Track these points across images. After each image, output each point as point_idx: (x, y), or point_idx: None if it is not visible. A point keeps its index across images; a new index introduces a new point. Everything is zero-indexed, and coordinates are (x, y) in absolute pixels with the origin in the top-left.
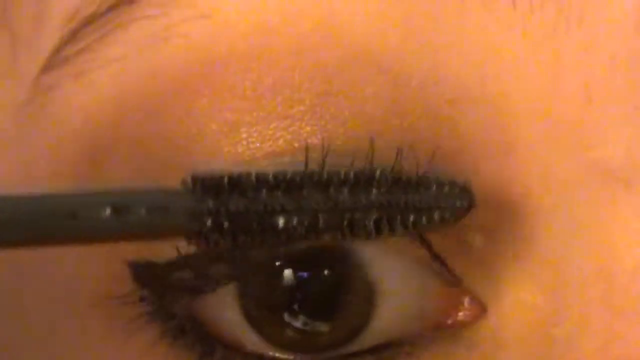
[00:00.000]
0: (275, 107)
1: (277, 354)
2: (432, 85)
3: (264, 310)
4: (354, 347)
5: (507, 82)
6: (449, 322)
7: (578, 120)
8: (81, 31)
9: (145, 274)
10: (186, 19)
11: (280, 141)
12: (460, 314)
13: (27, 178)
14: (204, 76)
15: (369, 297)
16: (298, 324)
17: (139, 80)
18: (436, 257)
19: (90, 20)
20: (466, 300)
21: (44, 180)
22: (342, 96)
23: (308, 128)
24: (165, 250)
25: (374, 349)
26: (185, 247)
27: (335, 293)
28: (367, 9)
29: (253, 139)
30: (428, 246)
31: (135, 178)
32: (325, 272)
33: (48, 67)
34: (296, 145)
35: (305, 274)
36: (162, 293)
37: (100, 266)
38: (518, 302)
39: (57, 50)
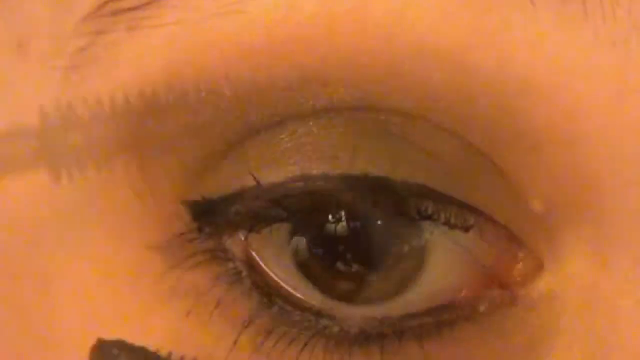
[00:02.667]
0: None
1: (333, 309)
2: (500, 76)
3: (316, 258)
4: (410, 302)
5: (575, 82)
6: (506, 276)
7: None
8: None
9: (201, 211)
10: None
11: None
12: (517, 267)
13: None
14: (266, 54)
15: (420, 247)
16: (350, 272)
17: (193, 49)
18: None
19: None
20: (522, 254)
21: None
22: (409, 79)
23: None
24: (219, 187)
25: (433, 311)
26: (238, 181)
27: (387, 243)
28: (435, 6)
29: None
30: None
31: (181, 137)
32: (378, 222)
33: (97, 14)
34: None
35: (357, 223)
36: (219, 229)
37: (155, 206)
38: (577, 268)
39: (105, 2)
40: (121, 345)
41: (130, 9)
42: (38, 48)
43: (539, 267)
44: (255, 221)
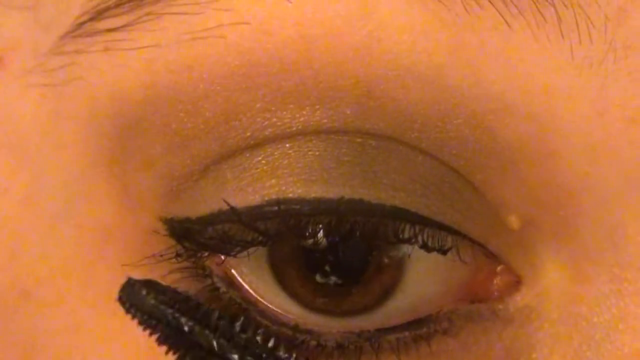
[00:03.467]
0: None
1: (312, 324)
2: (475, 95)
3: (294, 272)
4: (388, 316)
5: (552, 101)
6: (483, 291)
7: (620, 139)
8: (108, 12)
9: (179, 229)
10: (224, 24)
11: None
12: (495, 282)
13: (55, 148)
14: (245, 76)
15: (398, 260)
16: (328, 284)
17: (172, 71)
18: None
19: (118, 3)
20: (499, 269)
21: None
22: (386, 100)
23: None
24: (197, 206)
25: (411, 325)
26: (214, 202)
27: (365, 258)
28: (413, 27)
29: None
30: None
31: (160, 156)
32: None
33: (74, 35)
34: None
35: (336, 238)
36: (196, 248)
37: (134, 223)
38: (555, 283)
39: (82, 23)
40: (150, 284)
41: (107, 31)
42: (18, 63)
43: (516, 282)
44: (231, 245)
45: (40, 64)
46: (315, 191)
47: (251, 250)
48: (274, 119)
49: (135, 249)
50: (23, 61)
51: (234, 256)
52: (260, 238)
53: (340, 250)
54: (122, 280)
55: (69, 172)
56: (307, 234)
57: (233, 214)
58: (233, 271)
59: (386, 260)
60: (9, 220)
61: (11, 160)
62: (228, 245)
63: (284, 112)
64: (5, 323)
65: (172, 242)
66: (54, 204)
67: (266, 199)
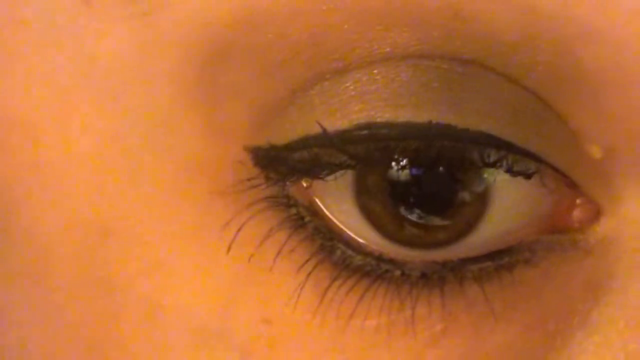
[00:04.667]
0: None
1: (395, 253)
2: (563, 19)
3: (379, 203)
4: (471, 247)
5: (639, 26)
6: (564, 222)
7: None
8: None
9: (265, 157)
10: None
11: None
12: (575, 213)
13: (141, 82)
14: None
15: (482, 193)
16: (413, 217)
17: None
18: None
19: None
20: (580, 201)
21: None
22: (473, 23)
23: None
24: (283, 134)
25: (493, 255)
26: (302, 127)
27: (450, 189)
28: None
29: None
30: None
31: (247, 83)
32: (440, 168)
33: None
34: None
35: (420, 170)
36: (283, 176)
37: (220, 153)
38: (635, 213)
39: None
40: None
41: None
42: None
43: (596, 214)
44: (320, 168)
45: None
46: (404, 116)
47: (338, 174)
48: (362, 41)
49: (221, 181)
50: None
51: (322, 179)
52: (349, 161)
53: (425, 183)
54: (209, 215)
55: (155, 105)
56: (395, 159)
57: (324, 136)
58: (318, 201)
59: (470, 194)
60: (92, 158)
61: (96, 97)
62: (317, 168)
63: (371, 34)
64: (85, 262)
65: (257, 172)
66: (138, 139)
67: (355, 123)
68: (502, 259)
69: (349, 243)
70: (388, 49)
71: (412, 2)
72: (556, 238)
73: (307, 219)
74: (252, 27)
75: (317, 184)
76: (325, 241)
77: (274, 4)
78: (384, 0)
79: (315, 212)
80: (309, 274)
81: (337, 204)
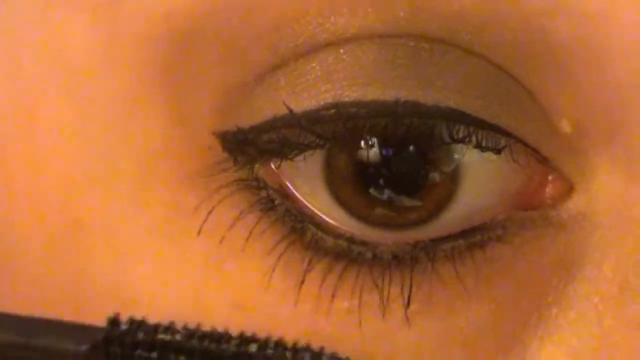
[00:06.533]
0: None
1: (366, 234)
2: None
3: (349, 185)
4: (443, 226)
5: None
6: (536, 198)
7: None
8: None
9: (233, 140)
10: None
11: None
12: (547, 189)
13: (108, 73)
14: None
15: (453, 172)
16: (383, 198)
17: None
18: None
19: None
20: (552, 177)
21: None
22: (438, 1)
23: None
24: (251, 116)
25: (465, 233)
26: (269, 110)
27: (420, 168)
28: None
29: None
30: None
31: (214, 68)
32: (410, 148)
33: None
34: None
35: (390, 150)
36: (251, 158)
37: (187, 140)
38: (607, 187)
39: None
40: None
41: None
42: None
43: (568, 189)
44: (288, 149)
45: None
46: (372, 94)
47: (307, 155)
48: (327, 25)
49: (190, 167)
50: None
51: (291, 160)
52: (317, 141)
53: (394, 163)
54: (178, 202)
55: (121, 95)
56: (364, 138)
57: (291, 117)
58: (288, 184)
59: (441, 173)
60: (60, 151)
61: (62, 91)
62: (285, 149)
63: (337, 18)
64: (55, 255)
65: (226, 156)
66: (105, 130)
67: (322, 103)
68: (474, 237)
69: (320, 225)
70: (354, 31)
71: None
72: (528, 215)
73: (277, 201)
74: (216, 15)
75: (287, 166)
76: (296, 223)
77: None
78: None
79: (286, 195)
80: (280, 256)
81: (308, 186)
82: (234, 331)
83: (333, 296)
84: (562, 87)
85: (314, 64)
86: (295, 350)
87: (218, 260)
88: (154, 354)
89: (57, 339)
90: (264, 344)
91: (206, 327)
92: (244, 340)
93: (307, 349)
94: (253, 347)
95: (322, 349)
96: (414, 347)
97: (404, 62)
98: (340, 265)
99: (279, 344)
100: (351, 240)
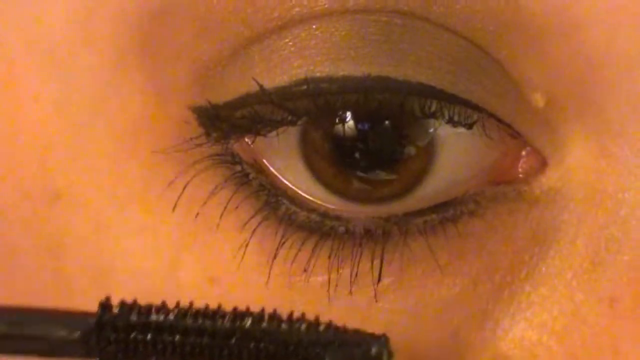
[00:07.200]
0: None
1: (342, 209)
2: None
3: (325, 160)
4: (417, 200)
5: None
6: (509, 173)
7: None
8: None
9: (207, 116)
10: None
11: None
12: (520, 164)
13: (85, 47)
14: None
15: (427, 146)
16: (359, 172)
17: None
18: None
19: None
20: (525, 152)
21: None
22: None
23: None
24: (225, 92)
25: (438, 207)
26: (243, 86)
27: (395, 143)
28: None
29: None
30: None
31: (188, 43)
32: (385, 122)
33: None
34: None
35: (364, 125)
36: (225, 134)
37: (163, 114)
38: (580, 162)
39: None
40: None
41: None
42: None
43: (541, 164)
44: (261, 125)
45: None
46: (343, 69)
47: (280, 131)
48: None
49: (165, 141)
50: None
51: (264, 135)
52: (289, 117)
53: (369, 137)
54: (154, 175)
55: (100, 69)
56: (336, 114)
57: (263, 94)
58: (263, 159)
59: (415, 147)
60: (40, 125)
61: (41, 65)
62: (258, 125)
63: None
64: (34, 228)
65: (201, 130)
66: (84, 104)
67: (294, 79)
68: (447, 211)
69: (293, 199)
70: (327, 5)
71: None
72: (501, 189)
73: (251, 175)
74: None
75: (263, 141)
76: (269, 197)
77: None
78: None
79: (261, 169)
80: (254, 230)
81: (284, 161)
82: (211, 305)
83: (305, 271)
84: (533, 61)
85: (287, 40)
86: (291, 321)
87: (193, 235)
88: (149, 335)
89: (50, 327)
90: (258, 317)
91: (183, 301)
92: (238, 315)
93: (302, 319)
94: (248, 322)
95: (317, 318)
96: (384, 322)
97: (375, 38)
98: (312, 239)
99: (273, 317)
100: (325, 214)
